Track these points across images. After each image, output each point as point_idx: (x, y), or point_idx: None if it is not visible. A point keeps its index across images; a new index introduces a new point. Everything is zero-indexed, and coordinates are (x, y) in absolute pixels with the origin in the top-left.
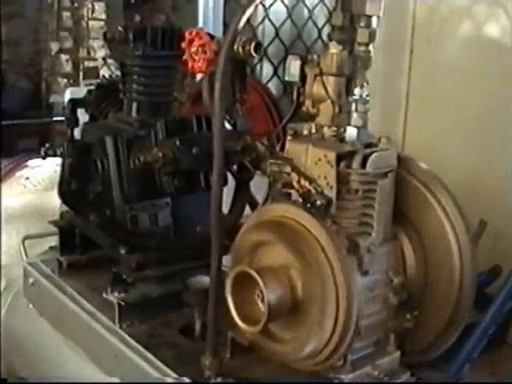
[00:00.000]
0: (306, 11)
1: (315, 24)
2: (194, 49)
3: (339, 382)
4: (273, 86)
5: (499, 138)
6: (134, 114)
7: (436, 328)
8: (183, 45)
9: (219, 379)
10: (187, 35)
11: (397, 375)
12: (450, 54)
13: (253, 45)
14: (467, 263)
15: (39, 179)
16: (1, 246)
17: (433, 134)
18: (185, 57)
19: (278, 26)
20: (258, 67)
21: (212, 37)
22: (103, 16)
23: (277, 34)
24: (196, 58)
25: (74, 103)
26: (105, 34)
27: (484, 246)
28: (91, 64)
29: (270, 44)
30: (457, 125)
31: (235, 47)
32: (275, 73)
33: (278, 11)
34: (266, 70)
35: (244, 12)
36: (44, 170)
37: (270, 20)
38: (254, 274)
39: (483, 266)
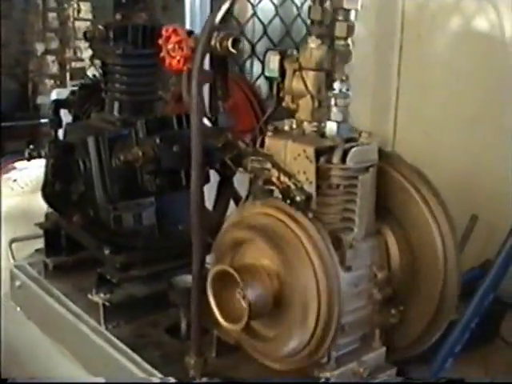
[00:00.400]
0: (294, 8)
1: (304, 21)
2: (170, 46)
3: (326, 382)
4: (262, 84)
5: (491, 134)
6: (116, 113)
7: (421, 323)
8: (160, 42)
9: (204, 379)
10: (164, 32)
11: (382, 371)
12: (440, 50)
13: (230, 40)
14: (451, 258)
15: (26, 181)
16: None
17: (424, 130)
18: (162, 54)
19: (267, 24)
20: (247, 65)
21: (190, 33)
22: (89, 16)
23: (265, 32)
24: (173, 54)
25: (57, 104)
26: (85, 34)
27: (476, 242)
28: (78, 65)
29: (258, 41)
30: (448, 121)
31: (212, 43)
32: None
33: (266, 9)
34: (256, 67)
35: (220, 8)
36: (31, 172)
37: (258, 17)
38: (233, 272)
39: (475, 262)
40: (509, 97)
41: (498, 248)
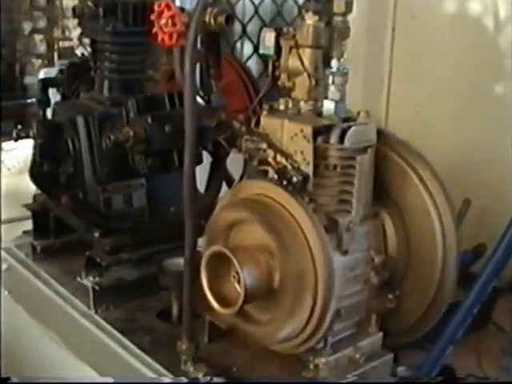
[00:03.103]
0: None
1: (295, 1)
2: (163, 21)
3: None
4: (253, 64)
5: (484, 115)
6: (105, 92)
7: (419, 308)
8: (152, 17)
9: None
10: (156, 7)
11: (379, 357)
12: (433, 31)
13: (224, 16)
14: (450, 239)
15: (14, 162)
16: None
17: (416, 111)
18: (155, 29)
19: (258, 4)
20: (238, 46)
21: (183, 10)
22: None
23: (256, 11)
24: (166, 30)
25: (46, 82)
26: (74, 9)
27: (469, 225)
28: (66, 44)
29: (249, 21)
30: (441, 102)
31: (206, 19)
32: (255, 51)
33: None
34: (247, 48)
35: None
36: (19, 153)
37: None
38: (229, 253)
39: (468, 245)
40: (501, 78)
41: (491, 232)
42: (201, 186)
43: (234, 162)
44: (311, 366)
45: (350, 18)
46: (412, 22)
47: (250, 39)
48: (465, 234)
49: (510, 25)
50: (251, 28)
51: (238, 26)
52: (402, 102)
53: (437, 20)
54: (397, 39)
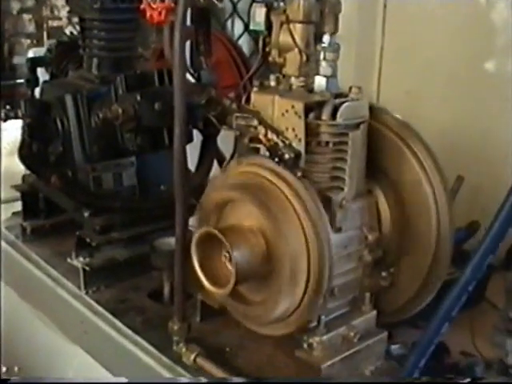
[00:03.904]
0: None
1: None
2: None
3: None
4: (244, 43)
5: (475, 93)
6: (94, 70)
7: (413, 285)
8: None
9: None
10: None
11: (373, 335)
12: (424, 8)
13: None
14: (444, 214)
15: (4, 144)
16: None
17: (408, 89)
18: (143, 6)
19: None
20: (229, 24)
21: None
22: None
23: None
24: (154, 6)
25: (34, 62)
26: None
27: (462, 202)
28: (55, 23)
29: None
30: (432, 80)
31: None
32: (246, 29)
33: None
34: (238, 26)
35: None
36: (8, 134)
37: None
38: (219, 234)
39: (461, 222)
40: (493, 56)
41: (484, 209)
42: (192, 164)
43: (225, 140)
44: (305, 346)
45: None
46: None
47: (240, 17)
48: (458, 212)
49: (502, 2)
50: (242, 6)
51: (228, 4)
52: (394, 80)
53: None
54: (388, 17)
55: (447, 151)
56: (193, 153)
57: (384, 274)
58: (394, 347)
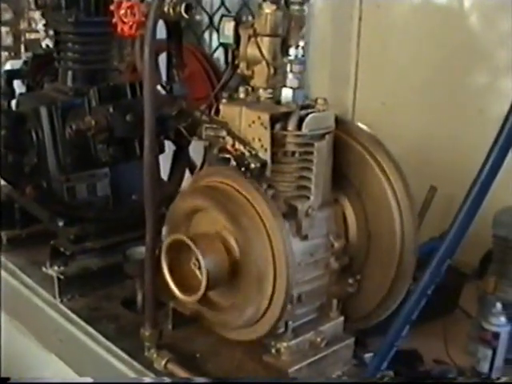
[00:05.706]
0: None
1: None
2: (122, 11)
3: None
4: (221, 55)
5: (450, 104)
6: (69, 82)
7: (379, 292)
8: (112, 7)
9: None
10: None
11: (340, 341)
12: (398, 20)
13: (183, 5)
14: (408, 225)
15: None
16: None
17: (383, 101)
18: (114, 20)
19: None
20: (206, 36)
21: (142, 0)
22: None
23: (222, 3)
24: (125, 20)
25: (10, 74)
26: (36, 1)
27: (435, 212)
28: (33, 36)
29: (216, 12)
30: (407, 91)
31: (165, 9)
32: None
33: None
34: (215, 39)
35: None
36: None
37: None
38: (188, 241)
39: (435, 232)
40: (467, 66)
41: None
42: (164, 174)
43: (198, 150)
44: (273, 351)
45: (316, 8)
46: (378, 10)
47: (217, 30)
48: (432, 221)
49: (474, 13)
50: (218, 19)
51: (205, 18)
52: (370, 92)
53: (402, 8)
54: (363, 29)
55: (422, 161)
56: (166, 163)
57: (351, 280)
58: (367, 356)
